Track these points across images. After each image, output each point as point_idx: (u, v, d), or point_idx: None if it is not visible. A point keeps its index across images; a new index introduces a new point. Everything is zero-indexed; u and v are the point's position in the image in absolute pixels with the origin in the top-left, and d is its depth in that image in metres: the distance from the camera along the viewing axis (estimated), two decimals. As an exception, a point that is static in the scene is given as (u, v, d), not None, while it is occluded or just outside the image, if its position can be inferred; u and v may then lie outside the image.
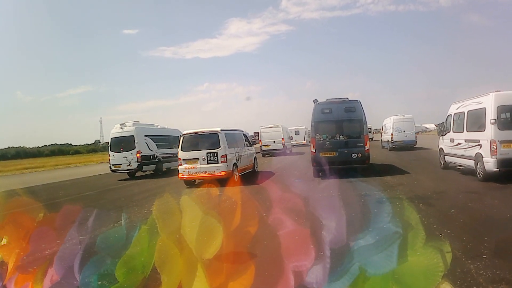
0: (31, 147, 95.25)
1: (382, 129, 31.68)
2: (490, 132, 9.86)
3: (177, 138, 20.05)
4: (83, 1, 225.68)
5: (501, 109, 9.90)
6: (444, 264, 1.18)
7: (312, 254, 1.35)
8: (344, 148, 12.58)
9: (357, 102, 13.07)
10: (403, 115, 27.36)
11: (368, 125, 14.12)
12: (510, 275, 3.71)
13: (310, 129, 13.95)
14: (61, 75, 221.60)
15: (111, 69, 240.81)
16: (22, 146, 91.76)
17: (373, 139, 39.83)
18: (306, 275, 1.34)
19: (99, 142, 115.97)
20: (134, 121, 18.86)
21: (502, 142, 9.64)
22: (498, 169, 9.62)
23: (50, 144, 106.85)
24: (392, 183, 10.72)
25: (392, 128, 26.58)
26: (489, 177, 9.89)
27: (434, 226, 5.66)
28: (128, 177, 18.56)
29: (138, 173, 18.67)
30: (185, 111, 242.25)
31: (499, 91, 10.18)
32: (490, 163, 9.79)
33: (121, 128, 18.20)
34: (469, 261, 4.11)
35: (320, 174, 12.50)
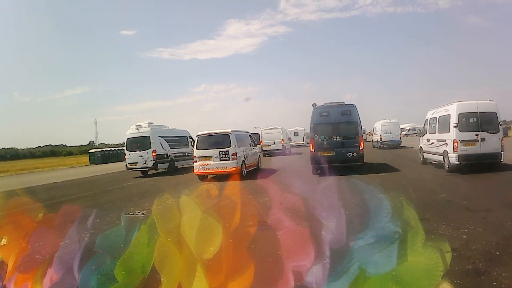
0: (22, 148, 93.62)
1: (373, 131, 37.34)
2: (453, 133, 12.38)
3: (186, 138, 22.65)
4: (80, 2, 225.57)
5: (462, 116, 12.48)
6: (444, 263, 1.18)
7: (312, 254, 1.35)
8: (340, 148, 13.90)
9: (352, 106, 14.47)
10: (390, 120, 32.62)
11: (362, 127, 15.99)
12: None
13: (309, 131, 15.41)
14: (59, 75, 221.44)
15: (109, 70, 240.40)
16: (13, 147, 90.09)
17: (367, 140, 41.20)
18: (306, 274, 1.34)
19: (94, 143, 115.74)
20: (149, 123, 20.07)
21: (462, 141, 12.16)
22: (459, 163, 12.22)
23: (44, 145, 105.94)
24: (383, 176, 12.98)
25: (381, 130, 31.76)
26: (453, 169, 12.48)
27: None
28: (142, 175, 19.70)
29: (151, 171, 19.95)
30: (183, 112, 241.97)
31: (461, 101, 12.69)
32: (453, 158, 12.32)
33: (137, 129, 19.45)
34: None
35: (319, 171, 13.57)
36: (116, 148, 50.45)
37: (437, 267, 1.18)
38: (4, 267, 1.89)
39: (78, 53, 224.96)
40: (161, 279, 1.44)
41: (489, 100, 12.68)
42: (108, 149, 50.55)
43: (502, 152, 12.21)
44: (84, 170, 31.86)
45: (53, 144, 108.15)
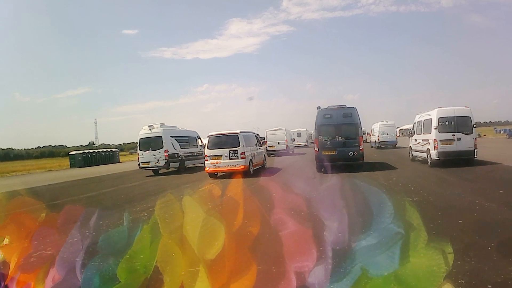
0: (20, 149, 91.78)
1: (371, 132, 39.62)
2: (434, 134, 14.78)
3: (195, 138, 23.52)
4: (82, 1, 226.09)
5: (441, 119, 14.83)
6: (446, 264, 1.18)
7: (314, 254, 1.35)
8: (342, 147, 15.14)
9: (353, 108, 15.75)
10: (387, 121, 35.03)
11: (362, 128, 17.42)
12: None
13: (312, 132, 17.16)
14: (60, 76, 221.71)
15: (111, 70, 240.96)
16: (11, 147, 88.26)
17: (366, 141, 41.95)
18: (308, 275, 1.34)
19: (94, 144, 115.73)
20: (161, 123, 20.87)
21: (441, 141, 14.56)
22: (438, 158, 14.57)
23: (44, 145, 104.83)
24: (377, 169, 15.39)
25: (379, 131, 34.46)
26: (434, 164, 14.86)
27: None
28: (153, 173, 20.37)
29: (162, 171, 20.58)
30: (185, 112, 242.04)
31: (441, 107, 15.24)
32: (434, 154, 14.75)
33: (150, 129, 20.35)
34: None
35: (322, 169, 14.84)
36: (101, 150, 46.77)
37: (440, 268, 1.18)
38: (7, 267, 1.89)
39: (80, 53, 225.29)
40: (164, 279, 1.44)
41: (465, 106, 15.22)
42: (91, 151, 45.63)
43: (475, 150, 14.50)
44: (58, 174, 28.84)
45: (53, 145, 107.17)
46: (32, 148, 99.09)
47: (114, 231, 1.73)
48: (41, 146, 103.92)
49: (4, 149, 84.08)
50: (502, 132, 54.58)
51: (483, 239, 4.92)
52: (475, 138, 14.68)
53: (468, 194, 8.59)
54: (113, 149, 48.93)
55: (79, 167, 38.16)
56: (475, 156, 14.60)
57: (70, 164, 40.73)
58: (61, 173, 30.16)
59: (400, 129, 52.91)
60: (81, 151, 43.94)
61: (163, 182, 16.51)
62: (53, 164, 43.99)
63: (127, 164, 37.90)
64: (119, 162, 44.60)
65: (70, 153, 44.51)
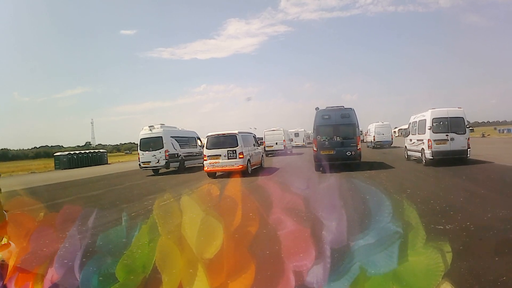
0: (16, 149, 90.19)
1: (367, 132, 40.82)
2: (428, 134, 15.43)
3: (194, 139, 23.86)
4: (80, 2, 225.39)
5: (435, 120, 15.46)
6: (445, 263, 1.18)
7: (313, 253, 1.35)
8: (340, 147, 15.45)
9: (351, 109, 16.14)
10: (382, 122, 36.51)
11: (360, 129, 18.16)
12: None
13: (310, 132, 17.72)
14: (59, 76, 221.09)
15: (109, 70, 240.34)
16: (6, 148, 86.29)
17: (364, 141, 42.20)
18: (307, 274, 1.34)
19: (90, 144, 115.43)
20: (161, 124, 21.27)
21: (435, 140, 15.18)
22: (433, 157, 15.24)
23: (41, 146, 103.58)
24: (375, 168, 15.95)
25: (374, 132, 35.81)
26: (428, 163, 15.53)
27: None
28: (153, 173, 20.69)
29: (161, 170, 20.92)
30: (183, 113, 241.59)
31: (435, 108, 15.87)
32: (428, 154, 15.42)
33: (150, 130, 20.64)
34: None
35: (321, 169, 15.28)
36: (88, 151, 44.86)
37: (438, 267, 1.18)
38: (5, 267, 1.89)
39: (78, 53, 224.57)
40: (162, 279, 1.44)
41: (458, 107, 15.80)
42: (77, 152, 43.43)
43: (468, 149, 15.10)
44: (36, 177, 27.21)
45: (50, 145, 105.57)
46: (28, 149, 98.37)
47: (112, 230, 1.73)
48: (38, 147, 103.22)
49: (0, 149, 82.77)
50: (505, 132, 55.32)
51: None
52: (468, 138, 15.28)
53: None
54: (101, 150, 47.47)
55: (64, 169, 36.45)
56: (468, 156, 15.21)
57: (54, 165, 38.84)
58: (40, 176, 28.42)
59: (399, 129, 53.08)
60: (67, 152, 41.98)
61: (161, 182, 16.69)
62: (39, 166, 41.87)
63: (116, 166, 36.93)
64: (107, 164, 42.80)
65: (54, 154, 42.25)
